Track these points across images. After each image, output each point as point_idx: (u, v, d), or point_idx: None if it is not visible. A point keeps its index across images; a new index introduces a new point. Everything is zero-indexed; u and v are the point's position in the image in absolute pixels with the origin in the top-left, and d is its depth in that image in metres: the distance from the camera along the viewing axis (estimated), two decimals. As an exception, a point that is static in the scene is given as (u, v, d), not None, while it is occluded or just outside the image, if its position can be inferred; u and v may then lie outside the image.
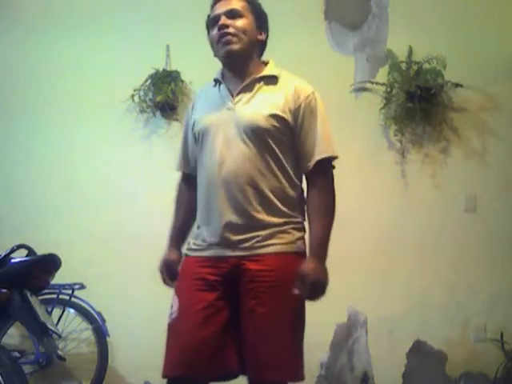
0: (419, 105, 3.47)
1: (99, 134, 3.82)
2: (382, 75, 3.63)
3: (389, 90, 3.58)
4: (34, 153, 3.91)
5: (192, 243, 2.03)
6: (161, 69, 3.73)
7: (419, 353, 3.52)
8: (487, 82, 3.56)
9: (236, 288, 1.90)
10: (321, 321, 3.41)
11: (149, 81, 3.72)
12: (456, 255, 3.51)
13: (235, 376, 1.94)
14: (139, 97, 3.75)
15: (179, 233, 2.16)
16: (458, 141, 3.59)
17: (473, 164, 3.57)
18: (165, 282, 2.13)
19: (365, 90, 3.67)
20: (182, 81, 3.71)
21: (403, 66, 3.57)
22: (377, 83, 3.61)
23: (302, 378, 1.93)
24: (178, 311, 1.94)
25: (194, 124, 2.05)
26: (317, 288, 1.88)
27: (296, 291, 1.86)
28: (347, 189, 3.56)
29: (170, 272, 2.12)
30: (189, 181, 2.12)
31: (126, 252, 3.65)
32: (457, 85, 3.51)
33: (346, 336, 3.60)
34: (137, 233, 3.65)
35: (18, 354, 3.33)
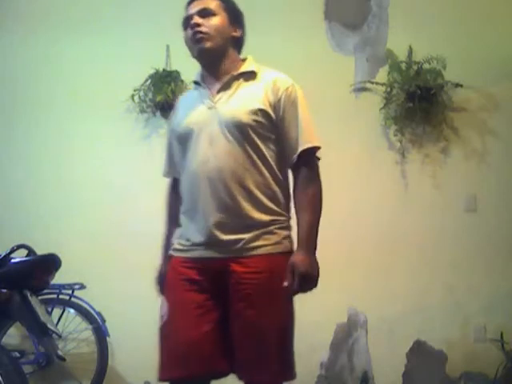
0: (419, 105, 3.47)
1: (99, 133, 3.82)
2: (382, 75, 3.63)
3: (389, 90, 3.58)
4: (34, 153, 3.91)
5: (177, 243, 2.01)
6: (161, 69, 3.73)
7: (419, 353, 3.52)
8: (487, 82, 3.56)
9: (223, 289, 1.89)
10: (321, 321, 3.43)
11: (149, 81, 3.72)
12: (456, 255, 3.51)
13: (226, 374, 1.94)
14: (139, 97, 3.75)
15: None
16: (457, 141, 3.59)
17: (473, 164, 3.57)
18: (162, 293, 2.08)
19: (365, 90, 3.67)
20: (182, 81, 3.71)
21: (403, 66, 3.57)
22: (377, 83, 3.61)
23: (293, 377, 1.92)
24: (168, 314, 1.93)
25: (176, 127, 2.04)
26: (307, 279, 1.85)
27: (285, 284, 1.84)
28: (347, 189, 3.59)
29: None
30: (177, 187, 2.10)
31: (126, 252, 3.65)
32: (457, 85, 3.51)
33: (346, 336, 3.60)
34: (137, 232, 3.65)
35: (18, 354, 3.34)
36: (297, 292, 1.88)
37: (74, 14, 3.91)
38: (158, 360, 1.92)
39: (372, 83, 3.63)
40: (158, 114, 3.76)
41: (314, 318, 3.27)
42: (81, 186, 3.82)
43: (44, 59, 3.93)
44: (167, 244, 2.10)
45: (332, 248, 3.43)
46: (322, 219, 1.94)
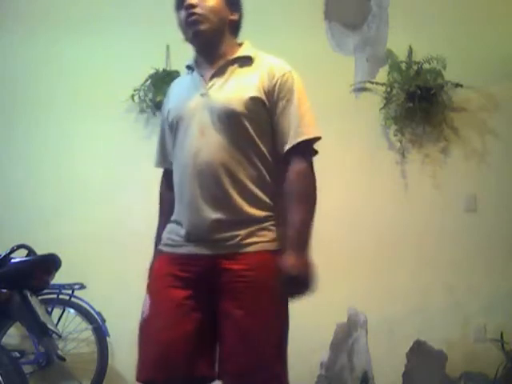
0: (419, 105, 3.47)
1: (99, 133, 3.82)
2: (382, 75, 3.64)
3: (389, 90, 3.58)
4: (34, 153, 3.91)
5: (166, 238, 1.90)
6: (161, 69, 3.73)
7: (419, 353, 3.52)
8: (487, 82, 3.57)
9: (212, 288, 1.77)
10: (321, 321, 3.43)
11: (149, 81, 3.72)
12: (456, 255, 3.51)
13: (210, 380, 1.81)
14: (139, 97, 3.75)
15: None
16: (457, 141, 3.59)
17: (473, 164, 3.57)
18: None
19: (365, 90, 3.67)
20: (182, 81, 3.71)
21: (403, 66, 3.57)
22: (377, 83, 3.61)
23: None
24: (148, 310, 1.84)
25: (167, 114, 1.92)
26: (299, 284, 1.71)
27: (278, 290, 1.72)
28: (347, 189, 3.59)
29: None
30: (170, 178, 1.97)
31: (126, 252, 3.64)
32: (457, 85, 3.52)
33: (346, 336, 3.60)
34: (137, 232, 3.63)
35: (18, 354, 3.34)
36: (288, 297, 1.77)
37: (74, 14, 3.91)
38: (136, 358, 1.85)
39: (372, 83, 3.63)
40: (158, 113, 3.76)
41: (314, 318, 3.27)
42: (81, 185, 3.82)
43: (44, 59, 3.93)
44: (159, 239, 1.99)
45: (332, 248, 3.43)
46: (321, 220, 1.89)
